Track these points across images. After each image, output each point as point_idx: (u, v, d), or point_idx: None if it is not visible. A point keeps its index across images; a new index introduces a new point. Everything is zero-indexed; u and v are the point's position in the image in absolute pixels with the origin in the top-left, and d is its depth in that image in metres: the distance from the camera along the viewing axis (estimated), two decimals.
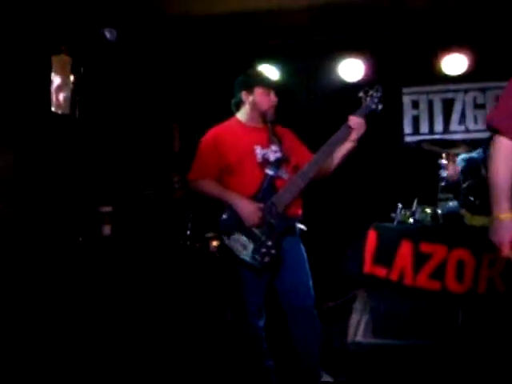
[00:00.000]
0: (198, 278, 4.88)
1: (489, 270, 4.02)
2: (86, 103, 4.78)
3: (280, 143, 3.53)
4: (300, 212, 3.60)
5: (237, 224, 3.38)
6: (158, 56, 5.61)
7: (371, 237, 4.21)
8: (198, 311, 4.70)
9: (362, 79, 5.95)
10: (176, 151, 6.17)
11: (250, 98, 3.54)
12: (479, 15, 5.55)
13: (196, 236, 5.24)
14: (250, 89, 3.54)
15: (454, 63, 5.75)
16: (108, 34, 4.53)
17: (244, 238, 3.36)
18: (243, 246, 3.36)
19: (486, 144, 4.60)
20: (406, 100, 6.20)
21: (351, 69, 5.95)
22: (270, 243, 3.36)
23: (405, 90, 6.20)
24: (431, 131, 6.22)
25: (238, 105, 3.62)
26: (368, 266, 4.20)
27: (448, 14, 5.53)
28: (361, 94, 3.54)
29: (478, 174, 4.55)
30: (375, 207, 4.98)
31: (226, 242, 3.40)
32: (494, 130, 2.51)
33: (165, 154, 5.97)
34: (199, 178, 3.56)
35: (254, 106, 3.54)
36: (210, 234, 5.11)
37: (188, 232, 5.27)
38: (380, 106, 3.56)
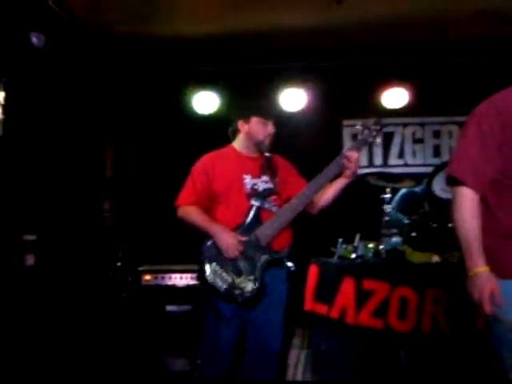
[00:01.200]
0: (129, 315, 4.62)
1: (433, 307, 3.97)
2: (11, 121, 4.46)
3: (274, 174, 3.44)
4: (288, 246, 3.47)
5: (217, 255, 3.31)
6: (90, 75, 5.36)
7: (312, 272, 4.10)
8: (128, 352, 4.42)
9: (303, 109, 5.89)
10: (108, 176, 5.90)
11: (246, 127, 3.47)
12: (420, 50, 5.61)
13: (128, 268, 4.97)
14: (246, 118, 3.46)
15: (395, 97, 5.76)
16: (35, 40, 4.15)
17: (224, 271, 3.30)
18: (222, 279, 3.29)
19: (428, 179, 4.58)
20: (347, 132, 6.16)
21: (293, 99, 5.87)
22: (251, 277, 3.28)
23: (345, 123, 6.16)
24: (371, 164, 6.20)
25: (234, 133, 3.55)
26: (309, 304, 4.08)
27: (389, 48, 5.56)
28: (358, 127, 3.40)
29: (420, 209, 4.52)
30: (316, 241, 4.86)
31: (206, 273, 3.31)
32: (457, 181, 2.41)
33: (96, 179, 5.70)
34: (186, 204, 3.46)
35: (250, 135, 3.47)
36: (143, 267, 4.86)
37: (119, 263, 5.01)
38: (378, 140, 3.43)
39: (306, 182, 3.49)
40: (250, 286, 3.26)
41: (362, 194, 4.65)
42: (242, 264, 3.29)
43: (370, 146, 3.39)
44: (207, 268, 3.31)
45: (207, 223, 3.36)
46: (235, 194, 3.37)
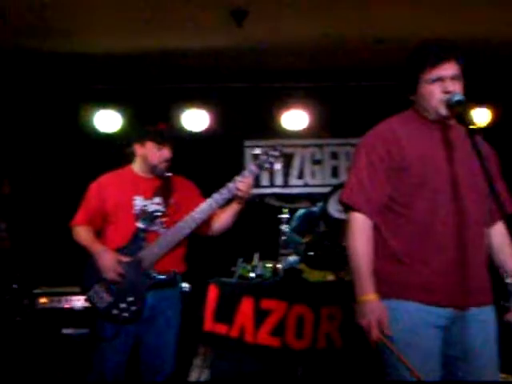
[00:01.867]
0: (24, 340, 4.46)
1: (328, 324, 4.09)
2: None
3: (168, 196, 3.43)
4: (179, 268, 3.46)
5: (99, 276, 3.30)
6: None
7: (211, 293, 4.14)
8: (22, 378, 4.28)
9: (206, 130, 5.94)
10: (6, 193, 5.70)
11: (142, 151, 3.48)
12: (318, 74, 5.79)
13: (24, 291, 4.81)
14: (142, 142, 3.48)
15: (295, 119, 5.91)
16: None
17: (104, 291, 3.30)
18: (103, 299, 3.29)
19: (324, 200, 4.73)
20: (249, 153, 6.26)
21: (195, 119, 5.91)
22: (131, 299, 3.27)
23: (247, 143, 6.26)
24: (272, 184, 6.33)
25: (133, 154, 3.55)
26: (208, 324, 4.11)
27: (289, 70, 5.71)
28: (257, 151, 3.44)
29: (317, 229, 4.66)
30: (216, 261, 4.90)
31: (88, 293, 3.32)
32: (349, 207, 2.51)
33: None
34: (78, 224, 3.46)
35: (145, 158, 3.48)
36: (38, 290, 4.72)
37: (15, 286, 4.84)
38: (277, 166, 3.47)
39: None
40: (128, 307, 3.27)
41: (261, 214, 4.76)
42: (124, 285, 3.29)
43: (269, 170, 3.45)
44: (89, 288, 3.32)
45: (90, 243, 3.39)
46: (123, 215, 3.38)
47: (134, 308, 3.27)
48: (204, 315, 4.13)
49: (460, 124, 2.41)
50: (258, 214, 5.32)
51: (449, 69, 2.42)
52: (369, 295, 2.40)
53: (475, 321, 2.42)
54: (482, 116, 5.71)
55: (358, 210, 2.47)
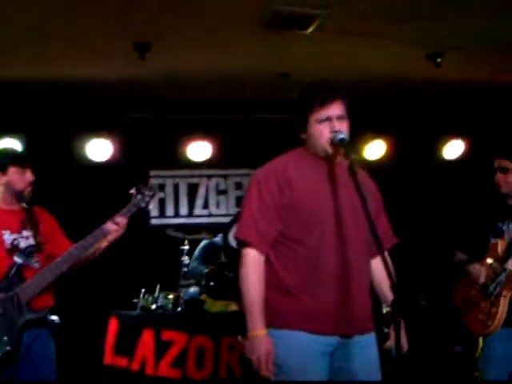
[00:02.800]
0: None
1: (228, 354, 4.13)
2: None
3: (36, 229, 3.32)
4: (50, 304, 3.35)
5: None
6: None
7: (112, 326, 4.11)
8: None
9: (110, 160, 5.90)
10: None
11: (4, 179, 3.30)
12: (223, 105, 5.90)
13: None
14: (3, 169, 3.30)
15: (199, 150, 5.98)
16: None
17: None
18: None
19: (224, 230, 4.81)
20: (153, 183, 6.27)
21: (100, 149, 5.87)
22: (5, 338, 3.09)
23: (152, 173, 6.27)
24: (176, 214, 6.35)
25: None
26: (108, 358, 4.07)
27: (194, 103, 5.78)
28: (132, 191, 3.44)
29: (218, 259, 4.71)
30: (118, 293, 4.85)
31: None
32: (243, 243, 2.59)
33: None
34: None
35: (9, 186, 3.31)
36: None
37: None
38: (150, 206, 3.50)
39: (63, 234, 3.46)
40: (2, 347, 3.10)
41: (162, 245, 4.76)
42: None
43: (142, 210, 3.46)
44: None
45: None
46: None
47: (8, 348, 3.09)
48: (104, 348, 4.08)
49: (343, 160, 2.55)
50: (159, 245, 5.34)
51: (336, 109, 2.56)
52: (259, 331, 2.49)
53: (358, 347, 2.56)
54: (378, 148, 6.00)
55: (251, 246, 2.56)
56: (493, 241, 3.79)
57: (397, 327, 2.13)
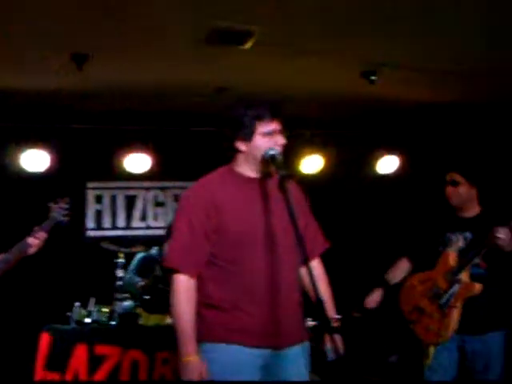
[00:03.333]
0: None
1: (162, 368, 4.12)
2: None
3: None
4: None
5: None
6: None
7: (43, 340, 4.04)
8: None
9: (47, 171, 5.79)
10: None
11: None
12: (162, 117, 5.89)
13: None
14: None
15: (137, 162, 5.94)
16: None
17: None
18: None
19: (161, 243, 4.79)
20: (90, 194, 6.19)
21: (35, 159, 5.75)
22: None
23: (89, 185, 6.20)
24: (114, 226, 6.28)
25: None
26: (39, 373, 3.99)
27: (132, 113, 5.75)
28: (50, 204, 3.41)
29: (153, 272, 4.69)
30: (52, 306, 4.76)
31: None
32: (172, 269, 2.61)
33: None
34: None
35: None
36: None
37: None
38: (66, 219, 3.50)
39: None
40: None
41: (98, 257, 4.71)
42: None
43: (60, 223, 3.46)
44: None
45: None
46: None
47: None
48: (35, 364, 4.00)
49: (274, 175, 2.62)
50: (94, 257, 5.27)
51: (278, 124, 2.63)
52: (191, 356, 2.52)
53: (289, 358, 2.64)
54: (315, 162, 6.09)
55: (180, 272, 2.59)
56: (443, 251, 3.92)
57: (320, 340, 2.18)
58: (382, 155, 6.22)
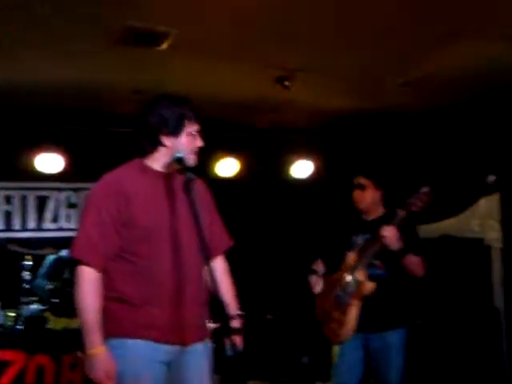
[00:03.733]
0: None
1: (69, 373, 4.03)
2: None
3: None
4: None
5: None
6: None
7: None
8: None
9: None
10: None
11: None
12: (74, 117, 5.76)
13: None
14: None
15: (49, 162, 5.77)
16: None
17: None
18: None
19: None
20: (1, 195, 5.98)
21: None
22: None
23: None
24: (24, 228, 6.08)
25: None
26: None
27: (44, 111, 5.60)
28: None
29: (62, 275, 4.59)
30: None
31: None
32: (77, 260, 2.57)
33: None
34: None
35: None
36: None
37: None
38: None
39: None
40: None
41: (4, 260, 4.56)
42: None
43: None
44: None
45: None
46: None
47: None
48: None
49: (181, 175, 2.63)
50: (1, 260, 5.10)
51: (199, 125, 2.70)
52: (97, 349, 2.50)
53: (192, 356, 2.67)
54: (231, 166, 6.13)
55: (86, 264, 2.56)
56: (348, 253, 4.04)
57: (221, 339, 2.21)
58: (296, 160, 6.33)
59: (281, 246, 6.42)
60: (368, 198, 4.08)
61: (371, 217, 4.11)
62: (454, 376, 6.20)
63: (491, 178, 3.17)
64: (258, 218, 6.52)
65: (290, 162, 6.36)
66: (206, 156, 5.79)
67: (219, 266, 2.89)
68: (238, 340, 2.66)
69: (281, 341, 5.97)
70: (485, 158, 5.64)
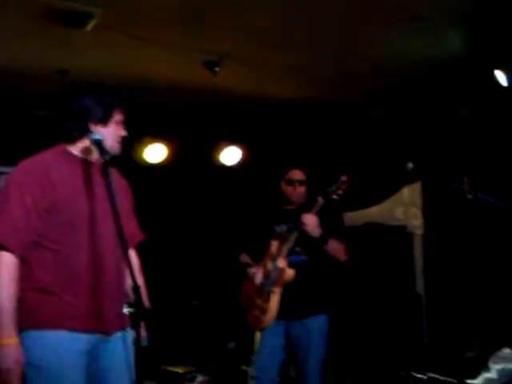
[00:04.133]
0: None
1: None
2: None
3: None
4: None
5: None
6: None
7: None
8: None
9: None
10: None
11: None
12: None
13: None
14: None
15: None
16: None
17: None
18: None
19: None
20: None
21: None
22: None
23: None
24: None
25: None
26: None
27: None
28: None
29: None
30: None
31: None
32: None
33: None
34: None
35: None
36: None
37: None
38: None
39: None
40: None
41: None
42: None
43: None
44: None
45: None
46: None
47: None
48: None
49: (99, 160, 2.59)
50: None
51: (124, 114, 2.71)
52: (9, 339, 2.43)
53: (112, 345, 2.65)
54: (159, 151, 6.07)
55: (7, 249, 2.48)
56: (271, 242, 4.09)
57: (136, 327, 2.20)
58: (225, 146, 6.32)
59: (208, 232, 6.41)
60: (303, 191, 4.16)
61: (293, 206, 4.18)
62: (376, 357, 6.41)
63: (410, 165, 3.27)
64: (184, 205, 6.50)
65: (219, 149, 6.35)
66: (134, 142, 5.72)
67: (132, 259, 2.84)
68: (145, 331, 2.71)
69: (207, 327, 5.99)
70: (405, 146, 5.82)
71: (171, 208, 6.40)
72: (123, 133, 2.70)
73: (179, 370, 5.33)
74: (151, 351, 2.11)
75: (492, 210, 3.53)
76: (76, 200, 2.59)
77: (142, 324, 2.24)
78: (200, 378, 5.27)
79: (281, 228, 4.11)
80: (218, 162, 6.38)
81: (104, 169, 2.47)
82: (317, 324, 4.10)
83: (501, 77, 4.81)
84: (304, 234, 3.91)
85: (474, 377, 4.94)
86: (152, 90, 5.40)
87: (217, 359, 5.68)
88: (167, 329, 5.33)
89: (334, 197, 3.88)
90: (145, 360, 2.14)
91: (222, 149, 6.32)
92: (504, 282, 5.45)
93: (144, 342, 2.23)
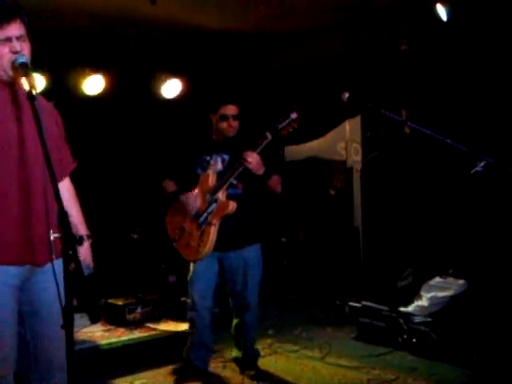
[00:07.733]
0: None
1: None
2: None
3: None
4: None
5: None
6: None
7: None
8: None
9: None
10: None
11: None
12: None
13: None
14: None
15: None
16: None
17: None
18: None
19: None
20: None
21: None
22: None
23: None
24: None
25: None
26: None
27: None
28: None
29: None
30: None
31: None
32: None
33: None
34: None
35: None
36: None
37: None
38: None
39: None
40: None
41: None
42: None
43: None
44: None
45: None
46: None
47: None
48: None
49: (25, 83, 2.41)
50: None
51: (15, 29, 2.43)
52: None
53: (44, 274, 2.53)
54: (97, 83, 5.87)
55: None
56: (201, 173, 4.07)
57: (65, 255, 2.13)
58: (165, 79, 6.18)
59: (145, 164, 6.30)
60: (237, 126, 4.13)
61: (223, 136, 4.16)
62: (315, 287, 6.61)
63: (346, 95, 3.25)
64: (123, 137, 6.40)
65: (159, 81, 6.20)
66: (70, 72, 5.52)
67: (67, 187, 2.80)
68: (88, 261, 2.71)
69: (148, 260, 6.01)
70: (344, 78, 5.83)
71: (110, 140, 6.29)
72: (16, 48, 2.40)
73: (120, 302, 5.35)
74: (81, 282, 2.05)
75: (428, 144, 3.59)
76: (3, 123, 2.48)
77: (79, 252, 2.17)
78: (140, 310, 5.32)
79: (214, 159, 4.09)
80: (159, 94, 6.24)
81: (29, 94, 2.34)
82: (253, 253, 4.19)
83: (441, 11, 4.82)
84: (245, 169, 3.90)
85: (406, 305, 5.15)
86: (89, 18, 5.17)
87: (157, 292, 5.72)
88: (107, 261, 5.31)
89: (283, 134, 3.85)
90: (77, 291, 2.08)
91: (162, 81, 6.18)
92: (437, 214, 5.63)
93: (86, 271, 2.17)
